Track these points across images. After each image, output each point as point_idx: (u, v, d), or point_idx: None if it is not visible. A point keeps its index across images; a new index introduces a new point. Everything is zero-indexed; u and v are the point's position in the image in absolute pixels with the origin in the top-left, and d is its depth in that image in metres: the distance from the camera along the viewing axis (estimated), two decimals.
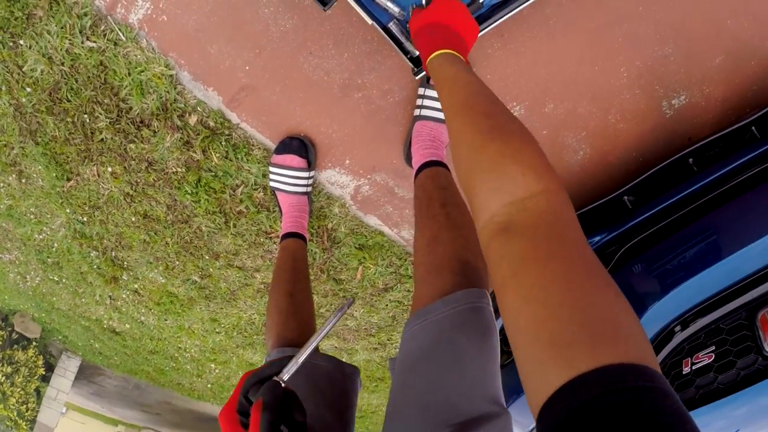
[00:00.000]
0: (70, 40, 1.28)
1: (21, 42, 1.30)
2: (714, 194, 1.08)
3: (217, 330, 2.40)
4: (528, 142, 0.52)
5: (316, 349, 0.66)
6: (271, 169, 1.36)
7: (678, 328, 1.02)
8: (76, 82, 1.32)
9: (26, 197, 1.78)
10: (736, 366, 0.96)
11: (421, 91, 1.18)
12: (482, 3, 0.97)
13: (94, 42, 1.27)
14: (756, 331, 0.94)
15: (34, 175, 1.63)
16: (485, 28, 0.97)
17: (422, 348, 0.75)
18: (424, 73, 0.97)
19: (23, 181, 1.69)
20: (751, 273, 0.96)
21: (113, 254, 1.96)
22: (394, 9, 0.95)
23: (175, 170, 1.46)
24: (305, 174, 1.34)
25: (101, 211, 1.66)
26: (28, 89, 1.35)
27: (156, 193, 1.54)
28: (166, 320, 2.45)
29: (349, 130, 1.31)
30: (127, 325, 2.78)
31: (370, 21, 0.97)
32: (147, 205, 1.58)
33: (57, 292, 2.70)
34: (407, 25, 0.89)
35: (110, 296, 2.39)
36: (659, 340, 1.04)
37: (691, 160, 1.16)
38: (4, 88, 1.36)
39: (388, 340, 2.08)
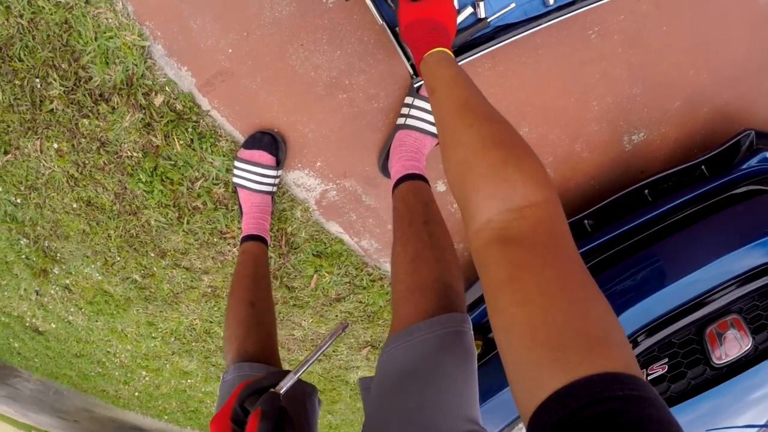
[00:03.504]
0: None
1: None
2: (666, 223, 1.12)
3: (153, 335, 2.12)
4: (530, 152, 0.49)
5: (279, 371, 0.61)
6: (237, 164, 1.21)
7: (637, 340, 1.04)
8: (33, 39, 1.11)
9: None
10: (687, 376, 1.04)
11: (408, 100, 1.09)
12: (489, 23, 0.91)
13: None
14: (704, 345, 1.02)
15: None
16: (488, 48, 0.91)
17: (405, 367, 0.70)
18: (422, 82, 0.88)
19: None
20: (699, 295, 1.02)
21: (46, 243, 1.68)
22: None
23: (130, 154, 1.25)
24: (273, 173, 1.20)
25: (38, 193, 1.41)
26: None
27: (104, 178, 1.32)
28: (96, 321, 2.14)
29: (326, 131, 1.18)
30: (53, 325, 2.41)
31: (380, 21, 0.87)
32: (92, 190, 1.36)
33: None
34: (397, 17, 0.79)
35: (37, 291, 2.06)
36: None
37: (647, 191, 1.17)
38: None
39: (333, 351, 1.91)
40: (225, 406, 0.55)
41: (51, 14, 1.06)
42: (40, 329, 2.58)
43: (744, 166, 1.09)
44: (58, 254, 1.73)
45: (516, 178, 0.45)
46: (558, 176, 1.25)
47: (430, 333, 0.71)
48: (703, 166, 1.14)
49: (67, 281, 1.89)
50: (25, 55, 1.12)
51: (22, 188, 1.41)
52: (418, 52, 0.72)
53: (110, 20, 1.05)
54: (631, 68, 1.11)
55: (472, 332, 0.75)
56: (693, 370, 1.04)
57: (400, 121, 1.09)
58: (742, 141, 1.11)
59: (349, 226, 1.41)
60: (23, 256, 1.79)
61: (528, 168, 0.47)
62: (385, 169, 1.18)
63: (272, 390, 0.54)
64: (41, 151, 1.28)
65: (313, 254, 1.49)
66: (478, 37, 0.93)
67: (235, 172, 1.22)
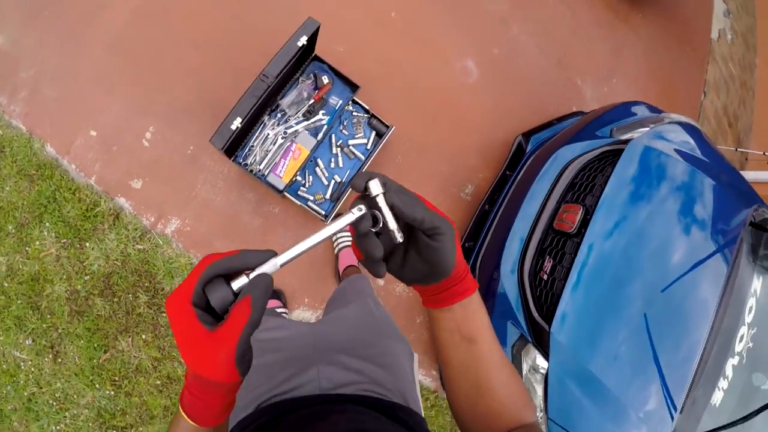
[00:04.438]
0: (124, 244, 1.63)
1: (87, 244, 1.62)
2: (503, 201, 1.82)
3: None
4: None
5: None
6: None
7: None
8: (125, 271, 1.65)
9: (55, 380, 1.85)
10: (563, 263, 1.46)
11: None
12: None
13: (142, 246, 1.63)
14: (558, 231, 1.53)
15: (71, 354, 1.76)
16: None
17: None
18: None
19: (58, 361, 1.80)
20: (535, 212, 1.58)
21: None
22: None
23: None
24: (284, 311, 1.76)
25: (129, 380, 1.76)
26: (86, 277, 1.62)
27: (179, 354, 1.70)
28: None
29: (305, 279, 1.76)
30: None
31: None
32: (170, 367, 1.71)
33: None
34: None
35: None
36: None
37: (487, 206, 1.82)
38: (64, 278, 1.62)
39: None
40: (184, 283, 0.41)
41: (135, 256, 1.67)
42: None
43: (527, 155, 1.84)
44: None
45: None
46: None
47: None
48: (507, 171, 1.88)
49: None
50: (120, 281, 1.67)
51: (116, 379, 1.76)
52: (464, 287, 0.54)
53: (170, 253, 1.67)
54: (434, 162, 1.81)
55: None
56: (565, 259, 1.47)
57: (337, 247, 1.62)
58: (518, 143, 1.91)
59: None
60: None
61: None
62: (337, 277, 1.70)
63: (264, 272, 0.41)
64: (132, 345, 1.68)
65: None
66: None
67: None
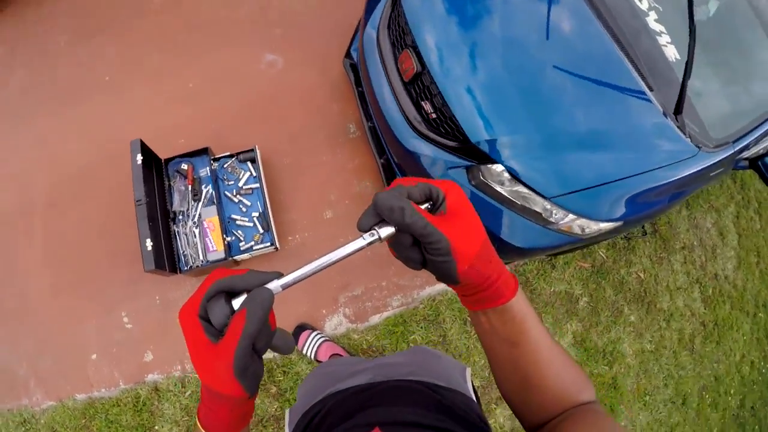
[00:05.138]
0: (177, 401, 1.73)
1: (155, 428, 1.74)
2: None
3: None
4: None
5: None
6: None
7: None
8: (196, 418, 1.72)
9: None
10: (434, 94, 1.55)
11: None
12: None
13: (188, 390, 1.72)
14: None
15: None
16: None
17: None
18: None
19: None
20: (388, 88, 1.69)
21: None
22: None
23: None
24: None
25: None
26: None
27: None
28: None
29: None
30: None
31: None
32: None
33: None
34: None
35: None
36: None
37: (370, 124, 1.71)
38: None
39: None
40: (194, 297, 0.43)
41: (190, 403, 1.70)
42: None
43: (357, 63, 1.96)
44: None
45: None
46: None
47: None
48: (359, 89, 1.78)
49: None
50: None
51: None
52: (495, 296, 0.51)
53: None
54: (310, 140, 1.78)
55: None
56: (427, 83, 1.55)
57: (316, 344, 1.80)
58: (348, 65, 2.04)
59: None
60: None
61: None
62: None
63: (266, 287, 0.42)
64: None
65: None
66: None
67: None
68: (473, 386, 0.86)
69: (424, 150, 1.62)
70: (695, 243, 2.62)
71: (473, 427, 0.64)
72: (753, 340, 2.79)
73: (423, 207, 0.47)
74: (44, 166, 2.09)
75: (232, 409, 0.44)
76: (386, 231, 0.45)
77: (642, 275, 2.38)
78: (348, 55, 2.07)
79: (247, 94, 2.17)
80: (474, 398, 0.81)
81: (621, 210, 1.53)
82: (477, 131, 1.49)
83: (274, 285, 0.42)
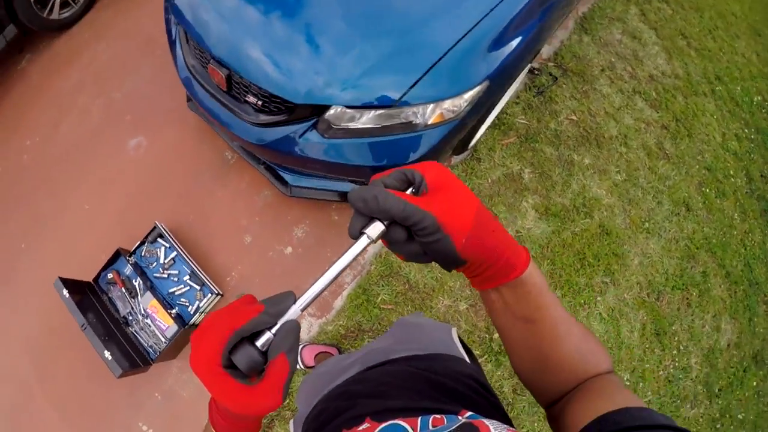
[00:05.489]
0: None
1: None
2: None
3: None
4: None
5: None
6: None
7: None
8: None
9: None
10: None
11: None
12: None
13: None
14: None
15: None
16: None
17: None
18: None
19: None
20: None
21: None
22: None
23: None
24: None
25: None
26: None
27: None
28: None
29: None
30: None
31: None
32: None
33: None
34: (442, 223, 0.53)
35: None
36: None
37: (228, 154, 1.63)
38: None
39: None
40: (207, 348, 0.40)
41: None
42: None
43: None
44: None
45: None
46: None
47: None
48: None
49: None
50: None
51: None
52: (518, 270, 0.48)
53: None
54: (206, 185, 1.73)
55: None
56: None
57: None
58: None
59: None
60: None
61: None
62: None
63: (291, 319, 0.41)
64: None
65: None
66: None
67: None
68: (463, 343, 0.85)
69: (274, 135, 1.61)
70: (613, 59, 2.50)
71: (463, 396, 0.63)
72: (725, 115, 2.63)
73: (407, 193, 0.45)
74: (11, 342, 2.18)
75: (258, 419, 0.47)
76: (375, 230, 0.44)
77: (574, 116, 2.28)
78: (189, 99, 2.08)
79: (130, 183, 2.21)
80: (465, 356, 0.79)
81: (481, 68, 1.51)
82: (295, 91, 1.47)
83: (294, 310, 0.42)
